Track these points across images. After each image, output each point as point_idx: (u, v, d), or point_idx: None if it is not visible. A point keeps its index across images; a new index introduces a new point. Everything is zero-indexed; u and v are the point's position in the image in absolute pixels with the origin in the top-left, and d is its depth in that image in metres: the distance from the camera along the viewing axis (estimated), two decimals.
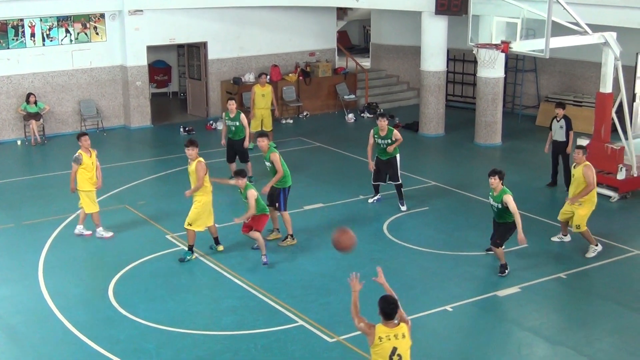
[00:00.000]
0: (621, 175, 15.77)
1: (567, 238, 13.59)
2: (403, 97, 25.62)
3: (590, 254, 13.01)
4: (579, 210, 12.99)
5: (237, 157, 16.77)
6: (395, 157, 15.01)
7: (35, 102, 20.44)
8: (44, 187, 16.94)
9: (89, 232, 13.97)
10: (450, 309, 11.22)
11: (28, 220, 14.82)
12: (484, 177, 17.50)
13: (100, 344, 10.23)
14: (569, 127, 16.02)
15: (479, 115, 20.35)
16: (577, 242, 13.35)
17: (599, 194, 13.72)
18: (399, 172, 15.10)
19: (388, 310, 7.47)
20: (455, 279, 12.31)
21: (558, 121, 16.09)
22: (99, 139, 21.09)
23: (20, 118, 20.68)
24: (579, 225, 12.99)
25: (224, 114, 17.07)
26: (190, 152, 12.70)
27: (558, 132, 16.08)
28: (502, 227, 12.24)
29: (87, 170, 13.56)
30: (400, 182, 15.15)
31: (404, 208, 15.16)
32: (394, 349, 7.47)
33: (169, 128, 22.29)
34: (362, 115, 23.77)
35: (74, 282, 12.21)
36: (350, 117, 23.40)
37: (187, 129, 21.73)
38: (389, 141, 14.81)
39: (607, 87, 15.64)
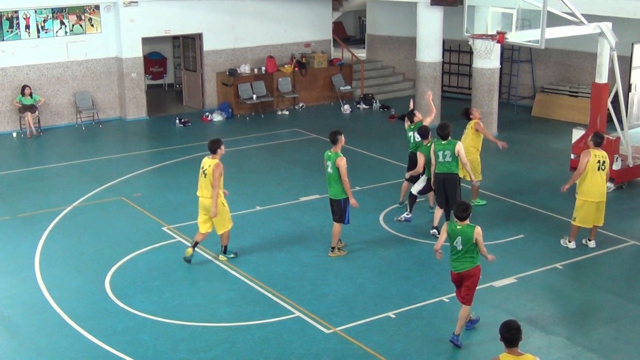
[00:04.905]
0: (617, 166, 15.78)
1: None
2: (399, 88, 25.58)
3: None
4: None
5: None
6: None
7: (31, 94, 20.38)
8: (39, 180, 16.91)
9: None
10: (447, 300, 11.23)
11: (24, 212, 14.80)
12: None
13: (97, 336, 10.24)
14: None
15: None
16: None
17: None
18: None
19: (508, 336, 7.23)
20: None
21: None
22: (95, 131, 21.08)
23: (15, 110, 20.63)
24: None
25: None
26: None
27: None
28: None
29: None
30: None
31: None
32: None
33: (165, 120, 22.25)
34: (357, 106, 23.75)
35: (70, 274, 12.20)
36: (346, 108, 23.40)
37: (182, 120, 21.70)
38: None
39: (602, 78, 15.63)
